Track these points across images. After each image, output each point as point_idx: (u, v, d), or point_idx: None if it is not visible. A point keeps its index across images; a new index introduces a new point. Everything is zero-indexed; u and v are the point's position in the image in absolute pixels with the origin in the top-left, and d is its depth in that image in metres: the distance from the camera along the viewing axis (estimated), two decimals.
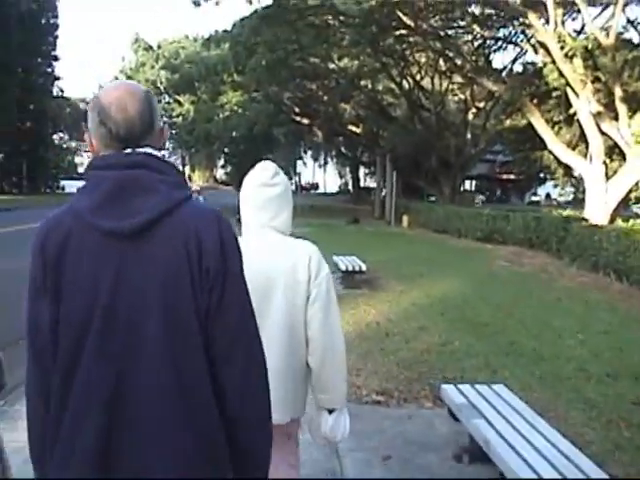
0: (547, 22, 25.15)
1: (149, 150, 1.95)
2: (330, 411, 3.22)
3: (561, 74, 25.34)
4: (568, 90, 25.57)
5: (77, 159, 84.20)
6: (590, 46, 26.70)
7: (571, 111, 26.69)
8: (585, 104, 24.54)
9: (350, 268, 13.52)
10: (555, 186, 60.86)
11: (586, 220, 20.37)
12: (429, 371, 7.56)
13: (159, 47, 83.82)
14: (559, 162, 33.54)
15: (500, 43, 37.58)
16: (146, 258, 1.85)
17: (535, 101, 31.03)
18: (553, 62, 26.35)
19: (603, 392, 6.89)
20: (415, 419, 6.08)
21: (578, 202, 44.71)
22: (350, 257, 14.74)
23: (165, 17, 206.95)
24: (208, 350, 1.88)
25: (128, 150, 1.93)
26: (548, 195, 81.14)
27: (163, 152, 2.06)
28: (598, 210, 22.80)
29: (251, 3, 31.65)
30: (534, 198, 79.29)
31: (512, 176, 69.67)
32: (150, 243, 1.85)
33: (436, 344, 8.86)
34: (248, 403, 1.94)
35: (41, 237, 1.90)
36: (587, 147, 29.06)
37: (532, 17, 25.26)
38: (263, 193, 3.24)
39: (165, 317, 1.82)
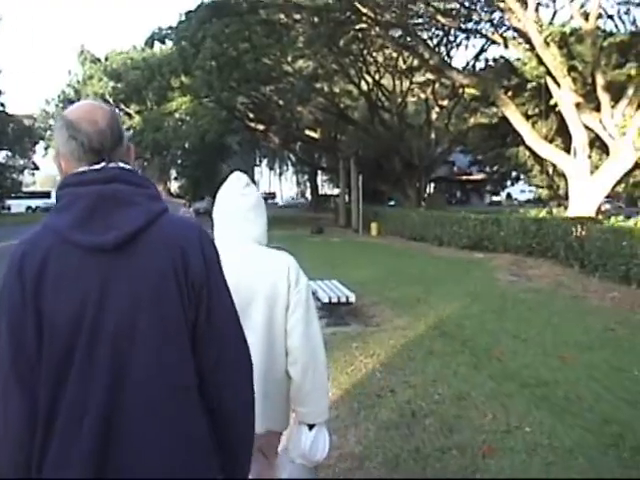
0: (525, 6, 23.46)
1: (121, 164, 1.95)
2: (310, 427, 3.14)
3: (540, 62, 24.01)
4: (548, 80, 24.19)
5: (21, 178, 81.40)
6: (569, 31, 25.48)
7: (552, 102, 24.87)
8: (567, 94, 23.12)
9: (334, 299, 10.59)
10: (513, 184, 59.36)
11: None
12: None
13: (106, 59, 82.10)
14: (535, 158, 32.16)
15: (464, 36, 36.08)
16: (131, 271, 1.84)
17: (509, 94, 29.57)
18: (531, 49, 25.20)
19: None
20: None
21: (540, 201, 43.50)
22: (330, 282, 12.01)
23: (112, 29, 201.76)
24: (197, 361, 1.89)
25: (100, 165, 1.91)
26: (509, 195, 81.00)
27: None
28: (583, 207, 21.56)
29: None
30: (495, 198, 78.61)
31: (471, 177, 69.56)
32: (134, 256, 1.84)
33: (497, 432, 5.59)
34: (238, 405, 1.99)
35: (17, 262, 1.85)
36: (564, 141, 27.73)
37: (511, 0, 23.12)
38: (238, 204, 3.22)
39: (155, 329, 1.83)
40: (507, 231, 21.09)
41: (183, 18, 30.53)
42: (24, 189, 78.32)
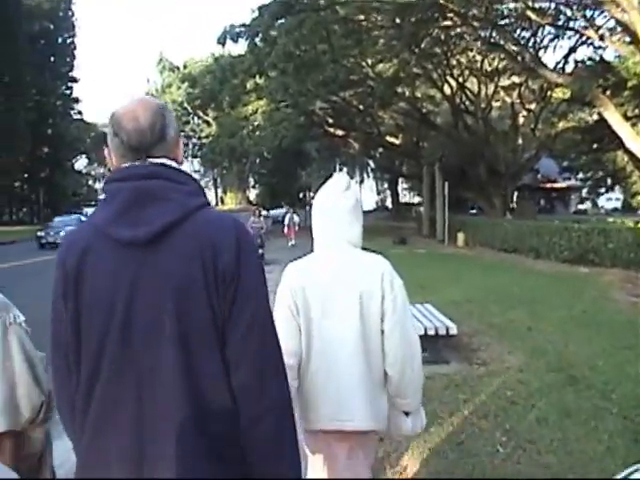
0: None
1: (164, 160, 2.00)
2: (407, 413, 3.24)
3: None
4: None
5: (97, 185, 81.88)
6: None
7: None
8: None
9: (432, 330, 8.53)
10: (608, 191, 56.30)
11: None
12: None
13: (185, 67, 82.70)
14: (635, 162, 29.92)
15: (552, 36, 34.48)
16: (160, 267, 1.87)
17: (607, 94, 27.27)
18: (632, 43, 23.40)
19: None
20: None
21: (627, 209, 41.16)
22: (423, 306, 10.08)
23: (191, 37, 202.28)
24: (224, 355, 1.90)
25: (143, 161, 1.97)
26: (595, 203, 77.75)
27: (186, 168, 2.39)
28: None
29: None
30: (581, 207, 75.31)
31: (556, 185, 66.49)
32: (165, 251, 1.88)
33: None
34: (264, 402, 1.91)
35: (62, 252, 1.99)
36: None
37: None
38: (337, 205, 3.23)
39: (179, 326, 1.85)
40: (617, 243, 18.83)
41: (256, 14, 28.92)
42: (100, 197, 78.78)
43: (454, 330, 8.61)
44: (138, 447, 1.80)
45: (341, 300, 3.06)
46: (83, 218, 31.88)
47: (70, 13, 64.00)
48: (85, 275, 1.89)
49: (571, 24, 31.37)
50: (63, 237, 2.06)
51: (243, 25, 29.90)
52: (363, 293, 3.05)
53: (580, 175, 49.80)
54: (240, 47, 36.19)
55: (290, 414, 1.98)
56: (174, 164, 2.01)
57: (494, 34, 31.16)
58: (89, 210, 46.91)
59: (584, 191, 60.39)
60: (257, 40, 30.24)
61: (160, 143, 1.99)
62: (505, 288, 15.45)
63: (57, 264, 1.97)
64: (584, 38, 31.93)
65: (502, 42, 30.44)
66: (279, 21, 28.82)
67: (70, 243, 1.97)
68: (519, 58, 29.79)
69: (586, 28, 29.11)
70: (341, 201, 3.22)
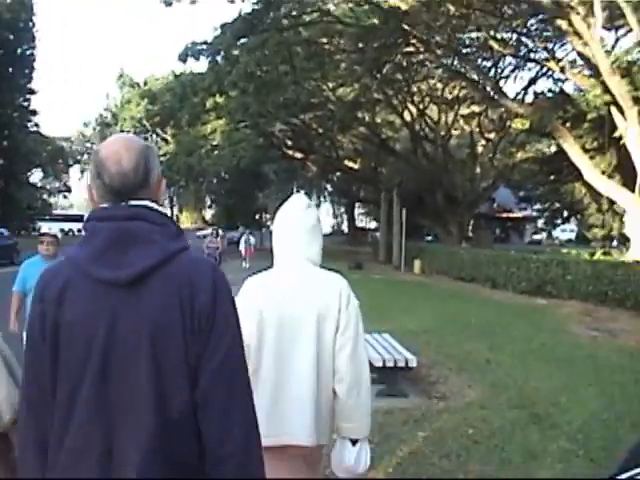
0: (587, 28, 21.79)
1: (146, 203, 2.00)
2: (353, 442, 3.20)
3: (606, 90, 22.14)
4: (613, 110, 22.56)
5: (52, 199, 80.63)
6: (635, 58, 23.85)
7: (616, 134, 23.31)
8: (635, 125, 21.22)
9: (390, 362, 8.17)
10: (564, 222, 56.72)
11: None
12: None
13: (145, 84, 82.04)
14: (592, 195, 30.36)
15: (513, 66, 35.55)
16: (140, 307, 1.88)
17: (567, 125, 27.59)
18: (594, 76, 23.67)
19: None
20: None
21: (581, 240, 41.70)
22: (381, 336, 9.73)
23: (151, 53, 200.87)
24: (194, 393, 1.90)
25: (123, 203, 1.98)
26: (550, 234, 78.49)
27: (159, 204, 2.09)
28: None
29: (233, 2, 27.41)
30: (535, 237, 75.98)
31: (512, 215, 67.63)
32: (144, 293, 1.88)
33: None
34: (228, 447, 1.90)
35: (40, 287, 1.98)
36: (623, 178, 25.82)
37: (576, 19, 21.97)
38: (298, 223, 3.29)
39: (154, 364, 1.85)
40: (575, 275, 18.64)
41: (219, 32, 28.63)
42: (60, 211, 77.21)
43: (414, 363, 8.31)
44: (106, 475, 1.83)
45: (297, 319, 3.11)
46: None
47: (31, 24, 62.94)
48: (64, 310, 1.89)
49: (532, 55, 31.81)
50: (41, 274, 2.05)
51: (205, 43, 29.54)
52: (320, 313, 3.11)
53: (537, 206, 50.08)
54: (202, 65, 36.06)
55: (255, 455, 1.98)
56: (155, 206, 2.02)
57: (456, 62, 31.43)
58: (42, 224, 46.00)
59: (540, 222, 60.83)
60: (218, 58, 29.96)
61: (142, 187, 2.00)
62: (462, 318, 15.17)
63: (34, 298, 1.99)
64: (544, 70, 32.47)
65: (464, 70, 30.73)
66: (241, 40, 28.64)
67: (49, 278, 1.98)
68: (480, 87, 30.07)
69: (547, 60, 29.50)
70: (302, 220, 3.29)
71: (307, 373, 3.07)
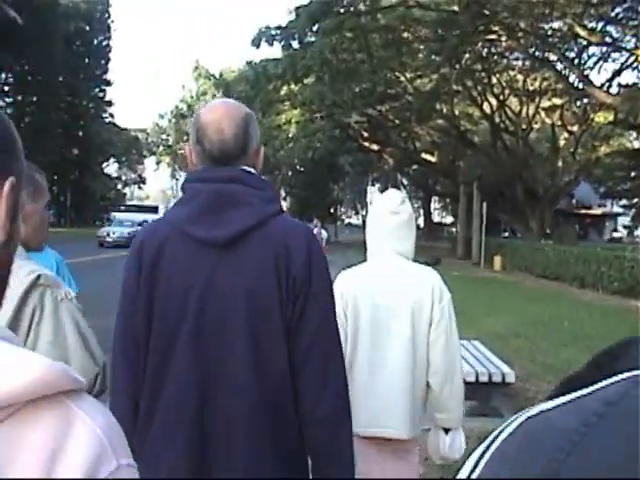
0: None
1: (244, 167, 2.04)
2: (446, 430, 3.23)
3: None
4: None
5: (127, 190, 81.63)
6: None
7: None
8: None
9: (484, 376, 6.95)
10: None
11: None
12: None
13: (221, 75, 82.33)
14: None
15: (598, 56, 34.07)
16: (235, 267, 1.93)
17: None
18: None
19: None
20: None
21: None
22: (470, 343, 8.50)
23: (228, 45, 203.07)
24: (289, 356, 1.94)
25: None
26: (631, 232, 76.10)
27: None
28: None
29: None
30: (615, 234, 73.75)
31: (590, 212, 66.55)
32: (240, 253, 1.93)
33: None
34: (325, 404, 1.94)
35: (137, 243, 2.02)
36: None
37: None
38: (391, 220, 3.30)
39: (250, 323, 1.91)
40: None
41: (293, 16, 28.05)
42: (135, 202, 77.91)
43: (511, 377, 7.08)
44: (199, 448, 1.85)
45: (392, 309, 3.14)
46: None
47: (107, 15, 63.83)
48: (161, 267, 1.93)
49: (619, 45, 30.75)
50: (137, 233, 2.12)
51: (279, 27, 29.18)
52: (415, 302, 3.13)
53: (623, 201, 48.56)
54: (276, 51, 35.59)
55: (346, 424, 1.99)
56: (253, 170, 2.06)
57: (537, 53, 30.52)
58: (117, 215, 46.28)
59: (625, 219, 59.09)
60: (293, 43, 29.73)
61: (241, 154, 2.03)
62: (553, 320, 14.11)
63: (131, 254, 2.00)
64: (630, 61, 31.22)
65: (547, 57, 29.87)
66: (317, 24, 28.17)
67: (147, 236, 2.02)
68: (566, 75, 29.08)
69: (637, 48, 28.35)
70: (397, 214, 3.30)
71: (403, 366, 3.11)
